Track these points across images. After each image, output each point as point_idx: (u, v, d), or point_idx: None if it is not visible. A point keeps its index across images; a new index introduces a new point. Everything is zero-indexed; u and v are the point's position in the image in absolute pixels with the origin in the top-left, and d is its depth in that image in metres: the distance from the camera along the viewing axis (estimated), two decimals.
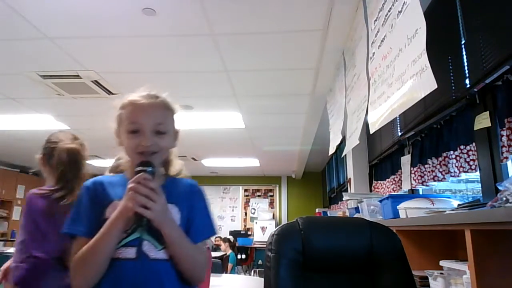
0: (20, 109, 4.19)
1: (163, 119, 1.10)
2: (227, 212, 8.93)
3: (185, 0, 2.21)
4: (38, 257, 1.68)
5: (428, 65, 1.22)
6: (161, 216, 0.98)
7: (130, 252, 1.02)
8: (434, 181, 2.37)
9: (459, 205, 1.47)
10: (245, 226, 8.82)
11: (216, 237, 6.13)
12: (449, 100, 2.09)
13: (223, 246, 6.02)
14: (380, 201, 2.36)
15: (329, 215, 5.08)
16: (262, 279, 1.21)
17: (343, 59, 2.70)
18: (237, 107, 4.09)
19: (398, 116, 2.55)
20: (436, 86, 1.19)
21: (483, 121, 1.76)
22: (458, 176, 2.12)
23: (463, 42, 1.92)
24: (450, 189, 2.78)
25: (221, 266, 4.04)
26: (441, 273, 1.55)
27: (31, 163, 7.11)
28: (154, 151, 1.06)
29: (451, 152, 2.16)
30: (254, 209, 8.89)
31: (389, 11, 1.60)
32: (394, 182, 3.21)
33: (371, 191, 4.01)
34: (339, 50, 2.72)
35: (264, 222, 8.19)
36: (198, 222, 1.10)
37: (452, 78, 2.06)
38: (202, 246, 1.10)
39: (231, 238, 6.44)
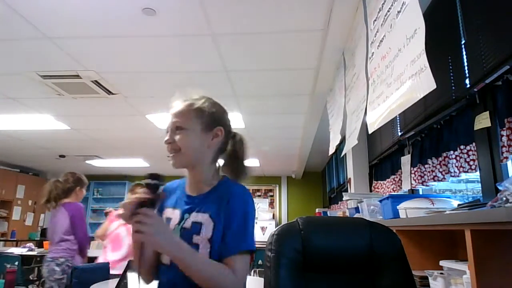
0: (20, 109, 4.19)
1: (181, 116, 1.10)
2: None
3: (185, 0, 2.21)
4: None
5: (427, 65, 1.21)
6: (155, 239, 0.93)
7: (166, 258, 1.05)
8: (434, 181, 2.37)
9: (459, 205, 1.47)
10: None
11: None
12: (449, 100, 2.09)
13: None
14: (380, 201, 2.36)
15: (329, 215, 5.08)
16: (262, 279, 1.21)
17: (343, 59, 2.70)
18: (237, 107, 4.09)
19: (398, 116, 2.55)
20: (435, 86, 1.19)
21: (483, 121, 1.76)
22: (458, 176, 2.12)
23: (463, 42, 1.92)
24: (450, 189, 2.78)
25: None
26: (441, 273, 1.55)
27: (31, 163, 7.11)
28: (174, 148, 1.08)
29: (451, 152, 2.16)
30: None
31: (388, 11, 1.60)
32: (394, 182, 3.21)
33: (371, 191, 4.01)
34: (339, 50, 2.72)
35: (264, 222, 8.18)
36: (230, 235, 1.03)
37: (452, 78, 2.06)
38: (234, 261, 1.00)
39: None
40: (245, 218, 1.05)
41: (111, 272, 3.06)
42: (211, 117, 1.12)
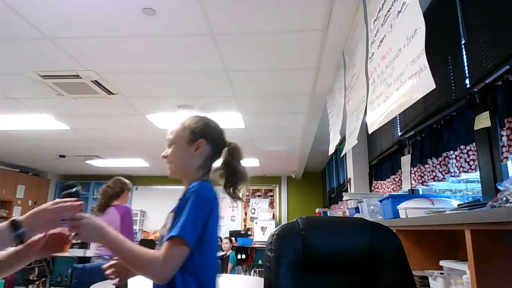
0: (20, 109, 4.19)
1: (172, 133, 1.30)
2: (227, 212, 8.93)
3: (185, 0, 2.21)
4: None
5: (427, 65, 1.21)
6: (89, 237, 1.07)
7: None
8: (434, 181, 2.37)
9: (459, 205, 1.47)
10: (245, 226, 8.81)
11: (224, 238, 6.12)
12: (449, 100, 2.09)
13: (228, 245, 6.00)
14: (380, 201, 2.36)
15: (329, 215, 5.09)
16: (262, 279, 1.21)
17: (343, 59, 2.70)
18: (237, 107, 4.09)
19: (398, 116, 2.55)
20: (434, 86, 1.19)
21: (483, 121, 1.76)
22: (458, 176, 2.12)
23: (463, 42, 1.92)
24: (450, 189, 2.78)
25: (221, 266, 4.05)
26: (441, 273, 1.55)
27: (31, 163, 7.12)
28: (168, 160, 1.28)
29: (451, 152, 2.16)
30: (254, 209, 8.89)
31: (388, 11, 1.60)
32: (394, 182, 3.21)
33: (371, 191, 4.01)
34: (339, 50, 2.72)
35: (264, 222, 8.19)
36: (172, 224, 1.14)
37: (452, 78, 2.06)
38: (164, 246, 1.08)
39: (232, 239, 6.45)
40: (184, 209, 1.12)
41: None
42: (193, 132, 1.29)
